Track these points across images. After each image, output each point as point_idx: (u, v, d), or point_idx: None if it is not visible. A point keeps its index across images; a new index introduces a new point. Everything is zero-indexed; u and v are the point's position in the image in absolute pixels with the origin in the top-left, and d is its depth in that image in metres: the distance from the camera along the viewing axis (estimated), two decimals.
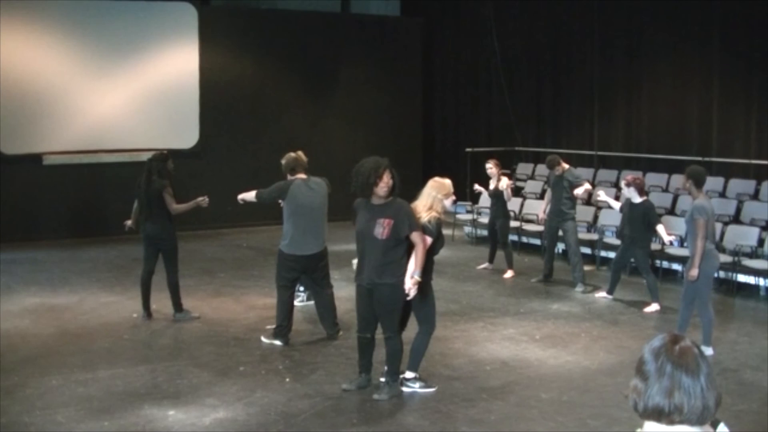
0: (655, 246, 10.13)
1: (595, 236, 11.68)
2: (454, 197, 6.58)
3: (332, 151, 14.84)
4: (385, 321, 6.30)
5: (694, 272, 7.32)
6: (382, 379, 6.44)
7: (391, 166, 6.19)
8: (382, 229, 6.09)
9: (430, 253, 6.30)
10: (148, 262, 8.66)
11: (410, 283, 6.04)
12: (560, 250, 11.48)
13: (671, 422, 2.02)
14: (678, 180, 12.40)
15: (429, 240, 6.21)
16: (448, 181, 6.53)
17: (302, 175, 7.83)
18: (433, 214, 6.32)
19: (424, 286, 6.25)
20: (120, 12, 14.15)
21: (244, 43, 15.43)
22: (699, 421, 2.02)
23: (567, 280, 10.46)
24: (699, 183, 7.45)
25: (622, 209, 9.47)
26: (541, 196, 12.71)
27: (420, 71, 17.25)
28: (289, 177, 7.88)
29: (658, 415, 2.02)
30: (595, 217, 12.16)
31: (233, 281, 10.69)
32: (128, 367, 7.13)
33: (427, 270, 6.29)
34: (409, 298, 6.12)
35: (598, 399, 6.35)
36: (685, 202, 11.67)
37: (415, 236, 6.10)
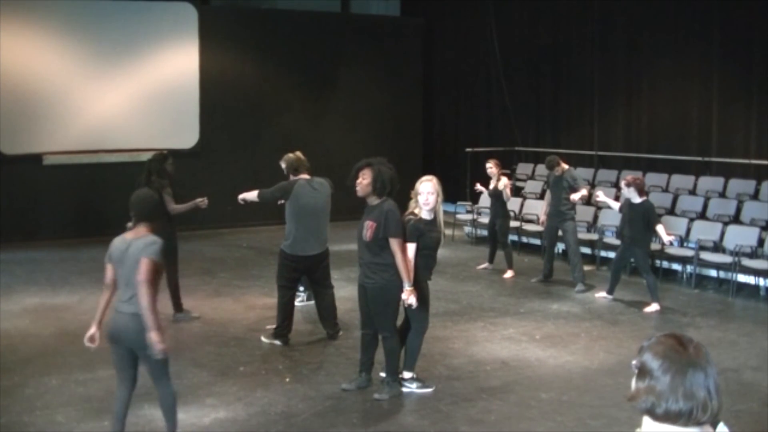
0: (655, 246, 10.13)
1: (595, 236, 11.67)
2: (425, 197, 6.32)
3: (332, 151, 14.82)
4: (378, 320, 6.32)
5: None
6: (383, 376, 6.45)
7: (371, 166, 6.19)
8: (365, 231, 6.19)
9: (423, 250, 6.26)
10: None
11: (405, 295, 6.11)
12: (560, 250, 11.48)
13: (695, 422, 2.03)
14: (678, 180, 12.42)
15: (409, 246, 6.17)
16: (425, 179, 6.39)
17: (305, 175, 7.81)
18: (408, 215, 6.30)
19: (421, 284, 6.28)
20: (120, 12, 14.14)
21: (244, 43, 15.42)
22: (714, 418, 2.05)
23: (567, 280, 10.45)
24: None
25: (621, 209, 9.46)
26: (541, 196, 12.70)
27: (420, 71, 17.26)
28: (292, 177, 7.86)
29: (678, 416, 2.03)
30: (595, 217, 12.15)
31: (233, 281, 10.69)
32: None
33: (422, 269, 6.29)
34: (412, 306, 6.16)
35: (598, 399, 6.35)
36: (684, 202, 11.69)
37: (392, 243, 6.08)
